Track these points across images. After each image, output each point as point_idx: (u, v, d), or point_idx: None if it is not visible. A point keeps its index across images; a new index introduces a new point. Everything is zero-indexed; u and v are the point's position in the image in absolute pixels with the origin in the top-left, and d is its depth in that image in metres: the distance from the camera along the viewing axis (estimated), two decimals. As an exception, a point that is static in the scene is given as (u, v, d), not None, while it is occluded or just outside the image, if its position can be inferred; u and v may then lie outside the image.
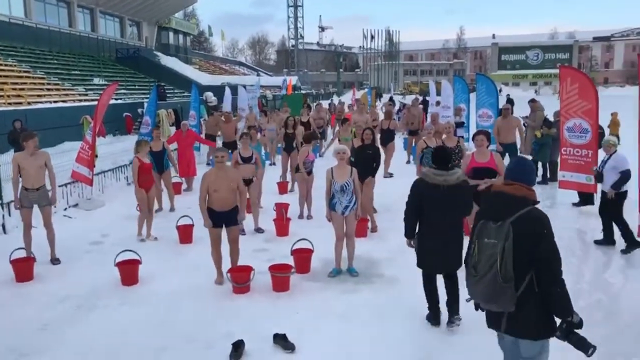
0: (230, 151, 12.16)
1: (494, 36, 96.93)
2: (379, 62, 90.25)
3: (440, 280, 5.19)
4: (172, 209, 9.95)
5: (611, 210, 7.21)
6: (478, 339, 4.84)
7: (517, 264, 3.10)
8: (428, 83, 26.55)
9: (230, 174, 6.38)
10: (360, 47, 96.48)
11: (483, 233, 3.24)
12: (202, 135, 14.75)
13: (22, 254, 6.84)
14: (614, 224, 7.27)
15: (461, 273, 4.13)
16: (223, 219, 6.26)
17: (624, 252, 7.04)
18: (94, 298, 5.98)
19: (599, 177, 7.36)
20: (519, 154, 10.98)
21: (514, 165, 3.49)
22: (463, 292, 3.83)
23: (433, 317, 5.17)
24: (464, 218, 5.17)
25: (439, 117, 12.30)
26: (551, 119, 11.87)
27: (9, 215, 8.44)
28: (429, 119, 14.33)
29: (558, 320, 3.21)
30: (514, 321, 3.23)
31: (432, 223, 4.92)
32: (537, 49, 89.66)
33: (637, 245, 6.99)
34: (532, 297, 3.16)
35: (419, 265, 5.15)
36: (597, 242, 7.46)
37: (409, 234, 5.10)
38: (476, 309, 3.51)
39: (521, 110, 16.88)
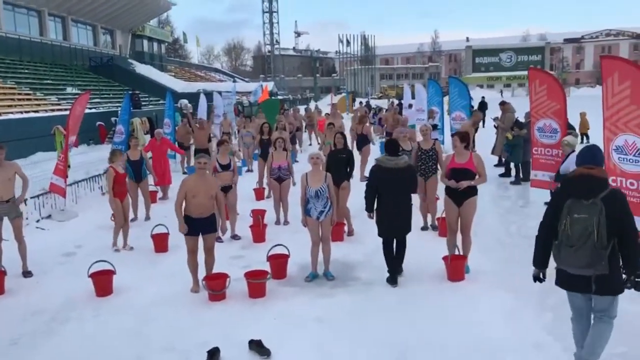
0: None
1: (467, 39, 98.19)
2: (355, 67, 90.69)
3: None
4: (147, 218, 9.87)
5: None
6: (451, 336, 4.94)
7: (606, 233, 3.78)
8: (403, 87, 26.79)
9: (210, 181, 6.37)
10: (336, 52, 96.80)
11: (573, 210, 3.86)
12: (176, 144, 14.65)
13: (-8, 267, 6.71)
14: None
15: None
16: (200, 226, 6.24)
17: None
18: (67, 310, 5.91)
19: (557, 176, 7.49)
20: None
21: (587, 152, 4.10)
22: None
23: (391, 279, 6.29)
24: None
25: (407, 122, 12.46)
26: (522, 120, 12.10)
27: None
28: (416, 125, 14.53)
29: None
30: (602, 281, 3.86)
31: (387, 199, 6.21)
32: (510, 52, 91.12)
33: None
34: (614, 259, 3.86)
35: (380, 234, 6.38)
36: None
37: (369, 208, 6.36)
38: (535, 280, 4.31)
39: (493, 112, 17.18)
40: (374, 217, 6.37)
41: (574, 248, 3.83)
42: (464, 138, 6.54)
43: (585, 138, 18.72)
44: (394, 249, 6.38)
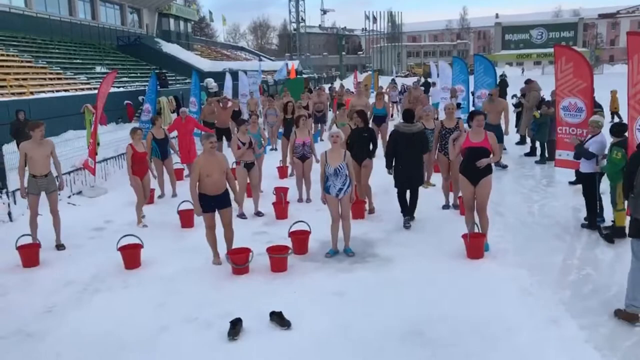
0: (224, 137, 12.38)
1: (497, 16, 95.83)
2: (381, 44, 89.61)
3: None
4: (174, 195, 10.12)
5: (585, 188, 7.32)
6: (466, 312, 5.03)
7: None
8: (430, 65, 26.42)
9: (220, 158, 6.53)
10: (362, 29, 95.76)
11: None
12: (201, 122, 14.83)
13: (28, 240, 7.02)
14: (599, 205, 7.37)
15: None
16: (216, 203, 6.43)
17: (583, 226, 7.37)
18: (97, 282, 6.18)
19: (578, 155, 7.37)
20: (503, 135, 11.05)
21: None
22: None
23: (405, 219, 7.79)
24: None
25: (425, 100, 12.34)
26: (549, 98, 11.89)
27: (15, 203, 8.62)
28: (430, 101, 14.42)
29: None
30: None
31: (403, 158, 7.59)
32: (541, 28, 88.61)
33: (596, 228, 7.15)
34: None
35: (396, 185, 7.78)
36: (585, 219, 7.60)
37: (388, 165, 7.73)
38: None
39: (514, 89, 16.87)
40: (392, 173, 7.75)
41: None
42: (481, 117, 6.59)
43: (616, 116, 18.26)
44: (408, 200, 7.82)
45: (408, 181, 7.69)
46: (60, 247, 7.38)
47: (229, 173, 6.55)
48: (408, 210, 7.81)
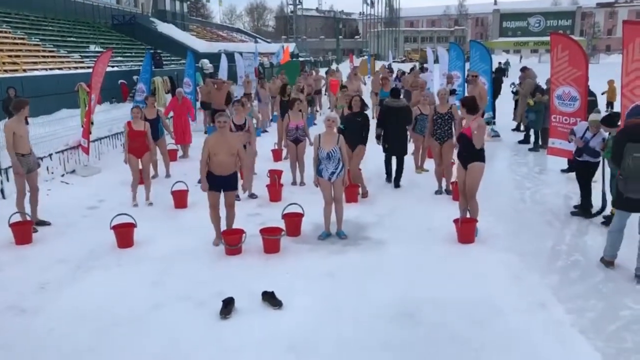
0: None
1: (495, 2, 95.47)
2: (379, 29, 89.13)
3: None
4: (167, 175, 10.12)
5: (582, 176, 7.39)
6: (455, 295, 5.11)
7: None
8: (426, 50, 26.33)
9: (230, 139, 6.51)
10: (360, 13, 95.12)
11: (632, 151, 5.14)
12: (198, 103, 14.78)
13: (19, 217, 7.03)
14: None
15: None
16: (222, 183, 6.44)
17: (573, 214, 7.45)
18: (91, 259, 6.21)
19: (579, 151, 7.42)
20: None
21: (637, 108, 5.58)
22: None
23: (388, 179, 9.30)
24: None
25: (425, 85, 12.31)
26: (544, 86, 11.92)
27: (7, 180, 8.60)
28: (433, 87, 14.40)
29: None
30: None
31: (390, 129, 8.82)
32: (539, 16, 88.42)
33: (590, 215, 7.25)
34: None
35: (384, 151, 9.08)
36: (575, 207, 7.67)
37: (378, 137, 8.87)
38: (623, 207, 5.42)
39: (514, 77, 16.90)
40: (381, 143, 8.91)
41: (638, 180, 5.11)
42: (464, 103, 6.61)
43: (611, 107, 18.32)
44: (394, 169, 9.13)
45: (394, 150, 8.97)
46: (40, 224, 7.33)
47: (241, 155, 6.53)
48: (394, 178, 9.11)
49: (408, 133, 9.30)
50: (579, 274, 5.58)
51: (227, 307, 4.86)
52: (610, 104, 18.51)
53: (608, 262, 5.69)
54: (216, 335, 4.57)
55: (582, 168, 7.45)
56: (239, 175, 6.74)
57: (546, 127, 11.09)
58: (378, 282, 5.47)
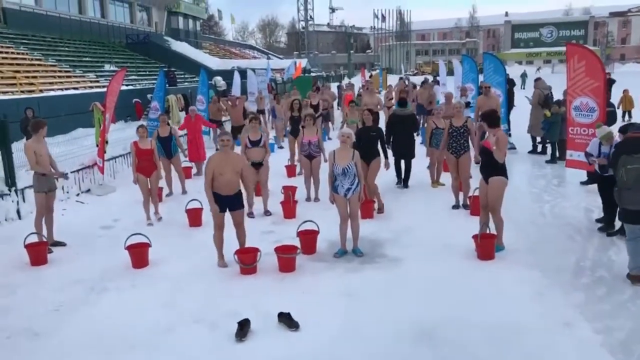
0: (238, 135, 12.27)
1: (507, 14, 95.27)
2: (390, 43, 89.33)
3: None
4: (183, 192, 10.11)
5: (603, 189, 7.21)
6: (476, 315, 4.96)
7: None
8: (438, 63, 26.26)
9: (234, 157, 6.45)
10: (371, 27, 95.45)
11: (626, 163, 5.33)
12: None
13: (36, 238, 7.02)
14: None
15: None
16: (228, 203, 6.37)
17: (601, 229, 7.21)
18: (105, 280, 6.15)
19: (603, 168, 7.25)
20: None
21: (637, 124, 5.93)
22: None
23: (398, 182, 10.04)
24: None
25: (452, 98, 12.20)
26: (560, 97, 11.78)
27: (23, 201, 8.64)
28: (441, 100, 14.29)
29: None
30: None
31: (398, 136, 9.57)
32: (551, 26, 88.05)
33: (613, 229, 7.08)
34: None
35: (394, 155, 9.71)
36: (598, 220, 7.48)
37: (387, 142, 9.19)
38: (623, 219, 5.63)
39: (531, 90, 16.71)
40: (391, 149, 9.42)
41: (632, 191, 5.28)
42: (484, 117, 6.60)
43: (628, 116, 18.06)
44: (403, 171, 9.92)
45: (402, 154, 9.77)
46: (56, 244, 7.30)
47: (244, 172, 6.47)
48: (403, 180, 9.93)
49: (415, 138, 10.19)
50: (605, 290, 5.40)
51: (243, 329, 4.76)
52: (627, 112, 18.25)
53: (634, 277, 5.49)
54: (232, 358, 4.46)
55: (606, 182, 7.25)
56: (249, 191, 6.67)
57: (563, 138, 10.93)
58: (396, 301, 5.34)
